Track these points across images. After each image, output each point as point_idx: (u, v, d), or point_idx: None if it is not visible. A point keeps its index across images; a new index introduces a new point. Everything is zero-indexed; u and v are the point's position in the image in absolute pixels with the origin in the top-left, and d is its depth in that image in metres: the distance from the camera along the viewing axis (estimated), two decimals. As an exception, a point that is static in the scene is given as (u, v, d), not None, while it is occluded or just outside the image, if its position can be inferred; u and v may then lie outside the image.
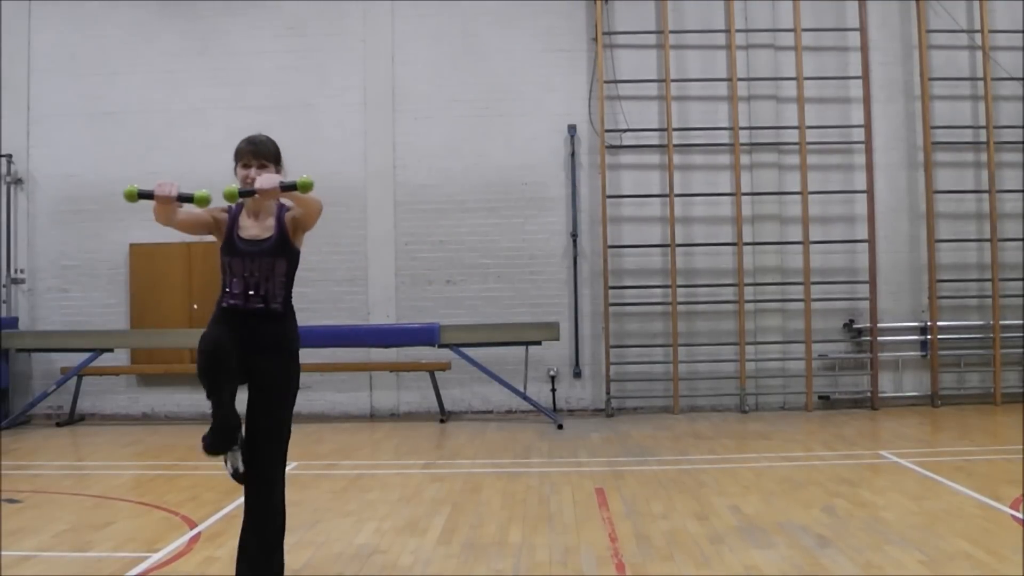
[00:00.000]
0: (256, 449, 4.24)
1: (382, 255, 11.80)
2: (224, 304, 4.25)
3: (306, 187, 3.92)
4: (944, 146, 11.66)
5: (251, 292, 4.23)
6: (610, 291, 11.45)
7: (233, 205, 4.30)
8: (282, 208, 4.32)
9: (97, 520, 6.12)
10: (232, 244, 4.27)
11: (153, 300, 11.77)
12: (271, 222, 4.29)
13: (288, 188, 3.94)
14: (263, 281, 4.24)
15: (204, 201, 3.96)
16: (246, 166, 4.23)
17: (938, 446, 8.96)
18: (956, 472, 7.15)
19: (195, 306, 11.69)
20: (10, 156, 11.97)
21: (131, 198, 3.98)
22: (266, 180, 3.96)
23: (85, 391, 11.58)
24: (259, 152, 4.24)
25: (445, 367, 11.28)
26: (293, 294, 4.40)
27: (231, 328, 4.17)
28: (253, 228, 4.28)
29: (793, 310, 11.59)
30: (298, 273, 4.38)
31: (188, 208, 4.10)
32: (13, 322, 11.71)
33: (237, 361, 4.11)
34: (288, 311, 4.36)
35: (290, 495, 6.96)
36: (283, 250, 4.28)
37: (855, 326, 11.64)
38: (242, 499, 6.67)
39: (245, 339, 4.17)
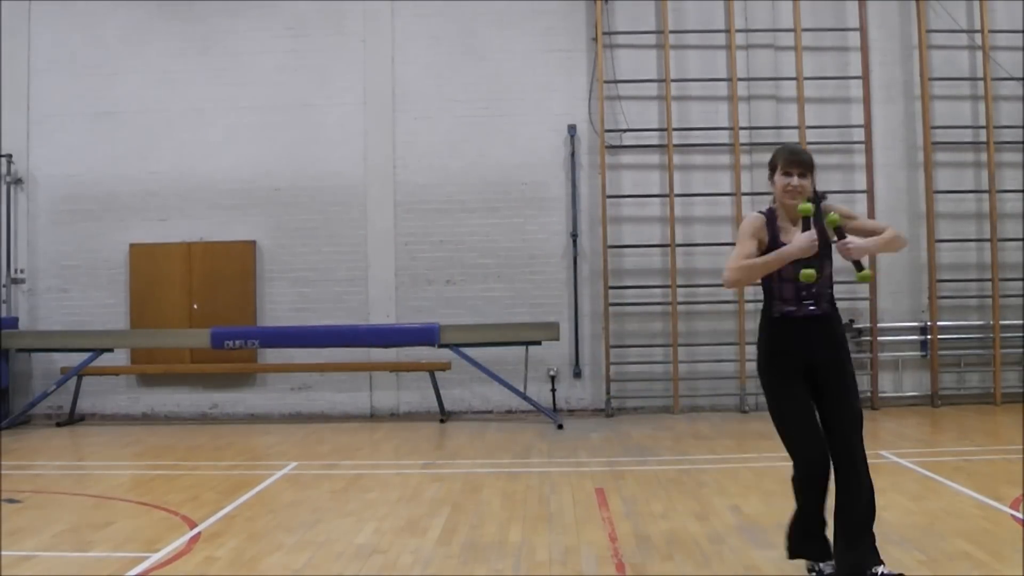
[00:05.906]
0: (844, 437, 4.36)
1: (382, 255, 11.80)
2: (776, 313, 4.44)
3: (834, 222, 4.26)
4: (944, 146, 11.66)
5: (804, 295, 4.39)
6: (610, 291, 11.45)
7: (764, 214, 4.49)
8: (819, 211, 4.43)
9: (97, 520, 6.12)
10: None
11: (153, 300, 11.76)
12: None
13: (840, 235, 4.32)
14: (814, 284, 4.38)
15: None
16: (787, 174, 4.38)
17: (938, 446, 8.95)
18: (956, 472, 7.14)
19: (195, 306, 11.69)
20: (10, 156, 11.97)
21: (831, 220, 4.27)
22: (858, 250, 4.27)
23: (85, 391, 11.58)
24: (801, 161, 4.39)
25: (445, 367, 11.28)
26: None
27: (788, 336, 4.39)
28: (795, 233, 4.40)
29: (793, 310, 11.56)
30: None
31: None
32: (13, 322, 11.70)
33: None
34: (836, 309, 4.52)
35: (290, 495, 7.01)
36: (827, 251, 4.42)
37: (855, 326, 11.63)
38: (241, 500, 6.74)
39: (803, 344, 4.38)
